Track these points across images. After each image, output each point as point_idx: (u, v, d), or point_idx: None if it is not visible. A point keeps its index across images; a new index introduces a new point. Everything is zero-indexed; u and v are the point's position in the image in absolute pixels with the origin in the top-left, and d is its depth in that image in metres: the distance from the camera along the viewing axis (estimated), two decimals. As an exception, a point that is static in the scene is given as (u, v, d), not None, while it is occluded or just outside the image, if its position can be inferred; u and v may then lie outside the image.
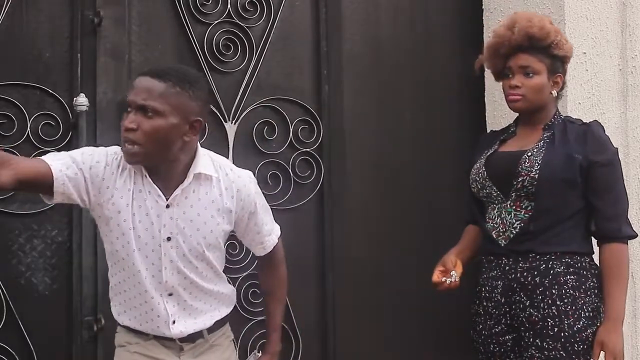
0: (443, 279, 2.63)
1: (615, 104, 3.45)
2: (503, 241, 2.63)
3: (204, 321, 2.36)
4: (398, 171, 3.44)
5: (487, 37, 3.56)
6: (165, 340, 2.33)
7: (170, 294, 2.30)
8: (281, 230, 2.55)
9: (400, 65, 3.50)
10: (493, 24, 3.55)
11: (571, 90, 3.29)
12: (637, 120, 3.53)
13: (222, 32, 3.17)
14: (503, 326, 2.61)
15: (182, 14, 3.10)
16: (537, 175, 2.56)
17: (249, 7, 3.22)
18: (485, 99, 3.56)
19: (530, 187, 2.57)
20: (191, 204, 2.27)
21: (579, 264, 2.58)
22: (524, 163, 2.59)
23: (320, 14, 3.35)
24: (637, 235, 2.66)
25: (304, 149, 3.28)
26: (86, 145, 2.83)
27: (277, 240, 2.51)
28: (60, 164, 2.18)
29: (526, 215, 2.59)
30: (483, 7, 3.60)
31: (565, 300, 2.53)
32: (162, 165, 2.23)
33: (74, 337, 2.87)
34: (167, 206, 2.24)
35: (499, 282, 2.62)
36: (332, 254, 3.29)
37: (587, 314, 2.54)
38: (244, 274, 3.06)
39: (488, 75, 3.56)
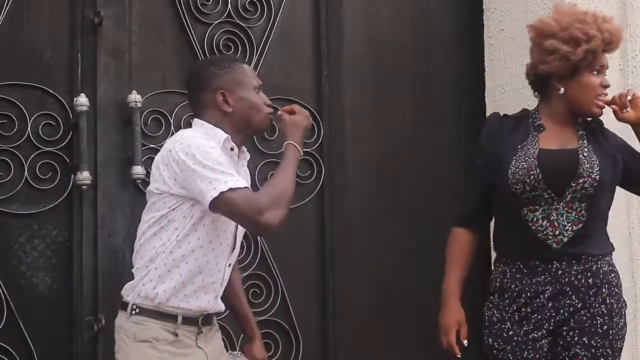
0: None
1: (615, 104, 3.44)
2: (555, 245, 2.55)
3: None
4: (398, 171, 3.44)
5: (488, 37, 3.57)
6: (189, 327, 2.38)
7: (230, 265, 2.46)
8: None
9: (401, 65, 3.49)
10: (493, 24, 3.55)
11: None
12: (637, 121, 3.52)
13: (223, 32, 3.17)
14: (544, 331, 2.54)
15: (183, 14, 3.10)
16: (597, 177, 2.53)
17: (250, 7, 3.23)
18: (486, 99, 3.56)
19: (589, 189, 2.53)
20: (240, 174, 2.44)
21: (613, 262, 2.63)
22: (584, 164, 2.54)
23: (320, 14, 3.35)
24: None
25: (305, 149, 3.26)
26: (86, 146, 2.85)
27: None
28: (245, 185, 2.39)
29: (577, 216, 2.54)
30: (483, 7, 3.60)
31: (615, 299, 2.57)
32: None
33: (74, 337, 2.87)
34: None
35: (547, 287, 2.54)
36: (332, 254, 3.29)
37: (625, 311, 2.60)
38: (245, 273, 3.06)
39: (489, 75, 3.57)
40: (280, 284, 3.16)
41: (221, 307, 2.48)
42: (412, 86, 3.52)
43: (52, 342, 2.86)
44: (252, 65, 3.17)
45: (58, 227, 2.89)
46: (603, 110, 2.62)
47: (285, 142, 2.45)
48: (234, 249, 2.47)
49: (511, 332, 2.57)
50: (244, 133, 2.48)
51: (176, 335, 2.36)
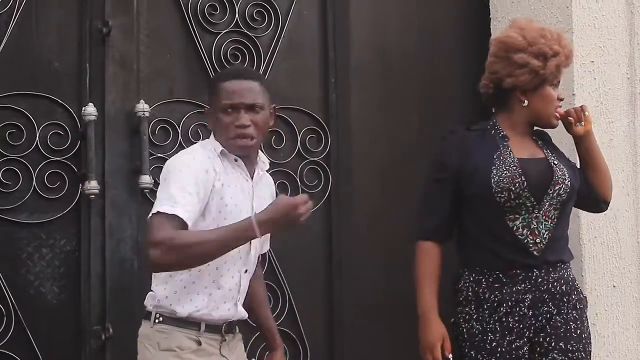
0: None
1: (623, 113, 3.44)
2: (536, 252, 2.60)
3: (243, 308, 2.51)
4: (405, 179, 3.43)
5: (495, 46, 3.57)
6: (212, 335, 2.40)
7: (246, 271, 2.48)
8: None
9: (408, 73, 3.50)
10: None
11: (579, 99, 3.28)
12: (645, 129, 3.52)
13: (230, 42, 3.18)
14: (525, 339, 2.58)
15: (190, 24, 3.11)
16: (569, 183, 2.65)
17: (257, 16, 3.23)
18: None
19: (564, 195, 2.64)
20: (258, 182, 2.54)
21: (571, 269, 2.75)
22: (557, 171, 2.65)
23: (327, 23, 3.35)
24: None
25: (312, 158, 3.28)
26: (94, 155, 2.85)
27: None
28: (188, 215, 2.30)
29: (552, 224, 2.63)
30: (490, 17, 3.60)
31: (581, 304, 2.66)
32: (254, 152, 2.53)
33: (82, 346, 2.87)
34: (252, 186, 2.50)
35: (527, 295, 2.58)
36: (340, 262, 3.29)
37: (586, 314, 2.71)
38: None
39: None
40: (288, 293, 3.16)
41: (243, 314, 2.50)
42: (419, 95, 3.52)
43: (59, 352, 2.86)
44: (259, 75, 3.19)
45: (66, 237, 2.90)
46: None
47: (255, 214, 2.30)
48: (248, 254, 2.48)
49: (494, 344, 2.58)
50: (228, 150, 2.46)
51: (199, 343, 2.37)
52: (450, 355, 2.60)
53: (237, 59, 3.17)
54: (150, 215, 2.29)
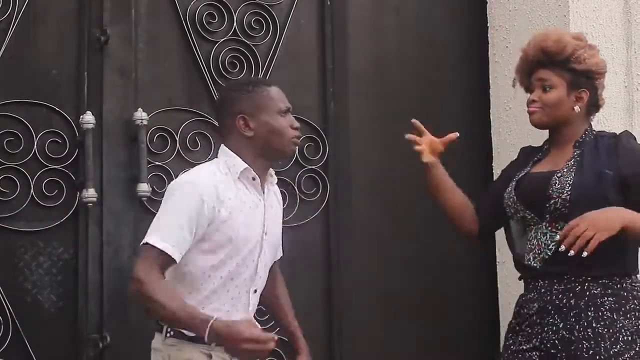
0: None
1: (620, 121, 3.44)
2: (538, 263, 2.56)
3: None
4: (404, 188, 3.43)
5: (492, 54, 3.58)
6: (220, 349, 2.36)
7: (255, 291, 2.48)
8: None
9: (406, 82, 3.50)
10: (498, 41, 3.56)
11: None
12: (642, 137, 3.52)
13: (228, 50, 3.18)
14: (531, 345, 2.54)
15: (189, 32, 3.12)
16: (568, 197, 2.50)
17: (255, 25, 3.24)
18: (491, 116, 3.57)
19: (563, 209, 2.51)
20: (269, 197, 2.52)
21: (618, 285, 2.50)
22: (555, 185, 2.53)
23: (326, 32, 3.36)
24: None
25: (310, 166, 3.28)
26: (92, 163, 2.85)
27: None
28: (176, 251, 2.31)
29: None
30: (488, 25, 3.61)
31: (602, 323, 2.45)
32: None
33: (79, 354, 2.86)
34: (264, 205, 2.48)
35: (535, 304, 2.56)
36: (338, 271, 3.28)
37: (625, 338, 2.44)
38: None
39: (493, 92, 3.57)
40: (286, 301, 3.16)
41: None
42: (417, 104, 3.51)
43: (57, 360, 2.86)
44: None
45: (64, 245, 2.89)
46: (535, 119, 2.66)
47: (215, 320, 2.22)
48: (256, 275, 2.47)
49: (510, 341, 2.63)
50: (266, 158, 2.47)
51: (210, 357, 2.36)
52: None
53: (235, 67, 3.18)
54: (142, 242, 2.32)
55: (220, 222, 2.36)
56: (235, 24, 3.19)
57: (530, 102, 2.65)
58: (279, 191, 2.63)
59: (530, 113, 2.65)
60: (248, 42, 3.22)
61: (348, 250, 3.30)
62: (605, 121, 3.39)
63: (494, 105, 3.56)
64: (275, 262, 2.64)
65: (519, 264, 2.67)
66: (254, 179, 2.44)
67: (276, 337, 2.25)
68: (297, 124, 2.50)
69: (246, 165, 2.42)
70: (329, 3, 3.37)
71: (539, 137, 2.84)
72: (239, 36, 3.21)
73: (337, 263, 3.28)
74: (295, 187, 3.23)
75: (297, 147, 2.55)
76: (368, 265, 3.34)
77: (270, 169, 2.54)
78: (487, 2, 3.63)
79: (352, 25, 3.41)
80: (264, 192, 2.48)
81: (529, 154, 2.76)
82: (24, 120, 2.87)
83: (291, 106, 2.52)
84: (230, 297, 2.41)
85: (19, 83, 2.89)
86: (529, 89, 2.70)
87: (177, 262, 2.31)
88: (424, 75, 3.53)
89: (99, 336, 2.87)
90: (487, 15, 3.62)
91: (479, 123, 3.58)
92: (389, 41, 3.49)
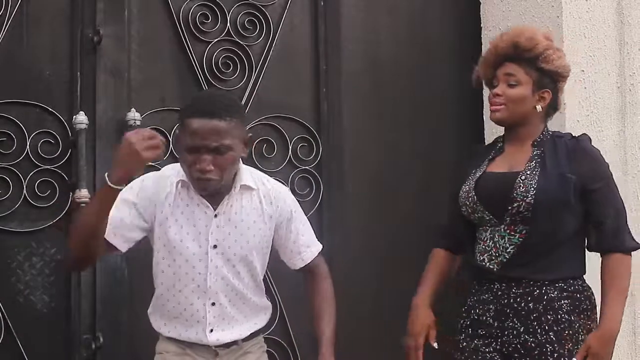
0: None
1: (613, 122, 3.46)
2: (495, 266, 2.55)
3: (240, 331, 2.50)
4: (397, 188, 3.44)
5: (486, 55, 3.59)
6: (200, 348, 2.46)
7: (213, 304, 2.45)
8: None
9: (399, 83, 3.51)
10: (491, 42, 3.57)
11: (569, 108, 3.30)
12: (635, 138, 3.54)
13: (222, 51, 3.18)
14: (491, 348, 2.55)
15: (182, 33, 3.12)
16: (532, 201, 2.48)
17: (249, 25, 3.24)
18: (484, 116, 3.57)
19: (526, 213, 2.50)
20: (235, 211, 2.45)
21: (572, 287, 2.54)
22: (519, 188, 2.51)
23: (319, 33, 3.37)
24: (639, 246, 2.60)
25: (303, 167, 3.28)
26: (85, 164, 2.85)
27: (316, 254, 2.64)
28: (122, 242, 2.41)
29: (521, 239, 2.52)
30: (482, 26, 3.62)
31: (562, 326, 2.49)
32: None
33: (72, 355, 2.86)
34: (215, 215, 2.42)
35: (491, 306, 2.56)
36: (331, 270, 3.26)
37: (582, 337, 2.50)
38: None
39: (486, 92, 3.57)
40: (279, 301, 3.16)
41: (223, 340, 2.47)
42: (410, 104, 3.53)
43: (50, 361, 2.85)
44: (250, 83, 3.20)
45: (56, 245, 2.89)
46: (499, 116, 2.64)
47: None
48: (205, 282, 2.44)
49: (465, 344, 2.62)
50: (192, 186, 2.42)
51: (184, 350, 2.47)
52: (435, 344, 2.62)
53: (228, 68, 3.18)
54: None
55: (158, 225, 2.41)
56: (228, 24, 3.20)
57: (494, 96, 2.63)
58: (266, 200, 2.51)
59: (493, 110, 2.63)
60: (241, 43, 3.22)
61: (341, 249, 3.30)
62: (598, 122, 3.41)
63: (487, 104, 3.54)
64: (313, 267, 2.64)
65: (469, 263, 2.65)
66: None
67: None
68: (202, 166, 2.31)
69: (182, 178, 2.42)
70: (322, 4, 3.38)
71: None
72: (233, 36, 3.21)
73: (330, 263, 3.26)
74: (289, 188, 3.22)
75: (206, 188, 2.36)
76: (361, 265, 3.34)
77: (245, 173, 2.46)
78: (480, 3, 3.64)
79: (345, 25, 3.41)
80: (218, 204, 2.43)
81: (482, 154, 2.72)
82: (17, 121, 2.86)
83: (210, 145, 2.30)
84: (178, 302, 2.44)
85: (11, 83, 2.89)
86: (491, 84, 2.68)
87: (112, 243, 2.38)
88: (417, 76, 3.54)
89: (91, 336, 2.87)
90: (481, 16, 3.63)
91: (472, 123, 3.58)
92: (382, 42, 3.50)
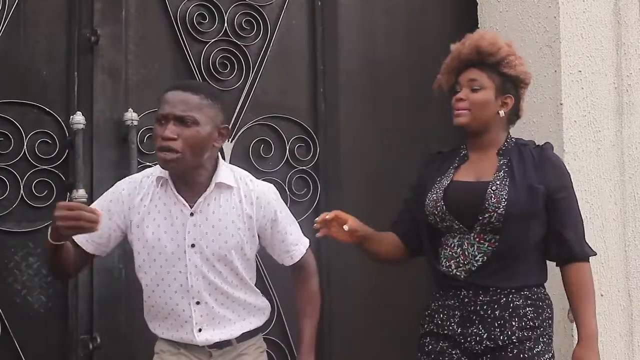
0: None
1: (610, 122, 3.46)
2: (463, 273, 2.57)
3: (231, 331, 2.49)
4: (395, 189, 3.42)
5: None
6: (195, 348, 2.46)
7: (198, 302, 2.44)
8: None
9: (397, 83, 3.51)
10: (489, 43, 3.57)
11: (567, 109, 3.30)
12: (632, 138, 3.54)
13: (219, 51, 3.18)
14: (458, 351, 2.56)
15: (179, 33, 3.11)
16: (504, 212, 2.50)
17: (246, 25, 3.24)
18: (481, 117, 3.57)
19: (496, 223, 2.52)
20: (213, 210, 2.43)
21: (535, 296, 2.57)
22: (490, 199, 2.52)
23: (316, 33, 3.37)
24: (596, 254, 2.67)
25: (301, 167, 3.29)
26: (82, 164, 2.86)
27: (304, 251, 2.63)
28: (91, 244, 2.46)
29: (490, 247, 2.54)
30: (479, 26, 3.62)
31: (525, 331, 2.52)
32: (191, 172, 2.40)
33: (69, 355, 2.86)
34: (192, 214, 2.41)
35: (456, 312, 2.57)
36: (328, 271, 3.28)
37: (544, 340, 2.55)
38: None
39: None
40: (276, 302, 3.16)
41: (211, 339, 2.47)
42: (408, 104, 3.53)
43: (47, 361, 2.85)
44: (248, 83, 3.19)
45: (54, 245, 2.89)
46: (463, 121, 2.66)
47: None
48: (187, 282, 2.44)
49: (430, 347, 2.61)
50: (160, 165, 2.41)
51: (179, 350, 2.49)
52: (346, 226, 2.66)
53: (225, 68, 3.18)
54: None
55: (135, 226, 2.43)
56: (226, 24, 3.19)
57: (457, 100, 2.64)
58: (248, 199, 2.49)
59: (457, 115, 2.64)
60: (239, 43, 3.22)
61: (338, 250, 3.29)
62: (595, 122, 3.41)
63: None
64: (302, 264, 2.63)
65: (434, 269, 2.65)
66: (172, 187, 2.43)
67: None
68: (167, 133, 2.30)
69: (159, 174, 2.43)
70: (319, 4, 3.38)
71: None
72: (230, 37, 3.21)
73: (328, 263, 3.28)
74: (286, 188, 3.23)
75: (166, 160, 2.33)
76: (358, 266, 3.34)
77: (224, 170, 2.46)
78: (477, 4, 3.64)
79: (342, 26, 3.41)
80: (195, 202, 2.42)
81: (443, 161, 2.74)
82: (14, 121, 2.86)
83: (176, 113, 2.32)
84: (165, 302, 2.45)
85: (9, 83, 2.88)
86: (453, 90, 2.70)
87: (86, 249, 2.44)
88: (414, 76, 3.54)
89: (88, 337, 2.87)
90: (478, 17, 3.63)
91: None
92: (379, 42, 3.50)
